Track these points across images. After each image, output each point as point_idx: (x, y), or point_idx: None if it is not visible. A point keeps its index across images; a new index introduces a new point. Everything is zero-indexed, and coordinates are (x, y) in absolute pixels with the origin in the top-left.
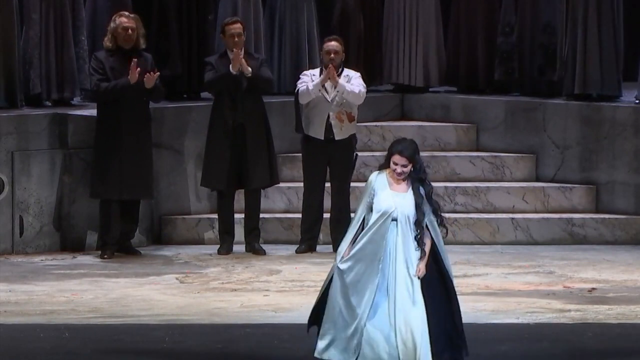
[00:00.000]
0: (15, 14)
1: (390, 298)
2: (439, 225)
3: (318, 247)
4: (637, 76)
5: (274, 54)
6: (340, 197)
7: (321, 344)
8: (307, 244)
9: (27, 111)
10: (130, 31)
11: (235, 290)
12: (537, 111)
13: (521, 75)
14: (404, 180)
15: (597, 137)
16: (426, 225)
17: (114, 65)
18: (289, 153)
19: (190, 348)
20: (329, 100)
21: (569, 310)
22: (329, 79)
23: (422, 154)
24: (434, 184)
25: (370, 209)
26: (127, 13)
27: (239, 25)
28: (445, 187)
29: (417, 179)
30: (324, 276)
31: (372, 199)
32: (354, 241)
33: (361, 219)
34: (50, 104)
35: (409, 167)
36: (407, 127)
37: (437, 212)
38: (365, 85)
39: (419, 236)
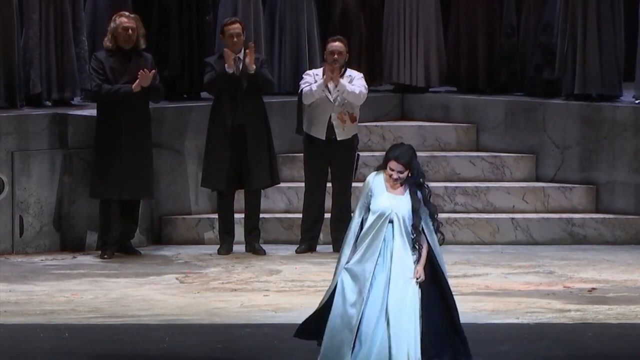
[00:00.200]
0: (15, 14)
1: (383, 301)
2: (435, 232)
3: (318, 247)
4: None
5: (274, 54)
6: (341, 197)
7: None
8: (307, 244)
9: (27, 111)
10: (130, 31)
11: (235, 290)
12: (537, 111)
13: (522, 75)
14: (401, 185)
15: (597, 137)
16: (423, 230)
17: (114, 66)
18: (289, 153)
19: (190, 348)
20: (332, 100)
21: (569, 310)
22: (331, 78)
23: (422, 154)
24: (434, 184)
25: (367, 210)
26: (127, 13)
27: (238, 25)
28: (445, 187)
29: (415, 183)
30: (324, 276)
31: (369, 200)
32: (355, 246)
33: (360, 221)
34: (50, 104)
35: (405, 173)
36: (407, 127)
37: (433, 216)
38: (367, 86)
39: (415, 240)
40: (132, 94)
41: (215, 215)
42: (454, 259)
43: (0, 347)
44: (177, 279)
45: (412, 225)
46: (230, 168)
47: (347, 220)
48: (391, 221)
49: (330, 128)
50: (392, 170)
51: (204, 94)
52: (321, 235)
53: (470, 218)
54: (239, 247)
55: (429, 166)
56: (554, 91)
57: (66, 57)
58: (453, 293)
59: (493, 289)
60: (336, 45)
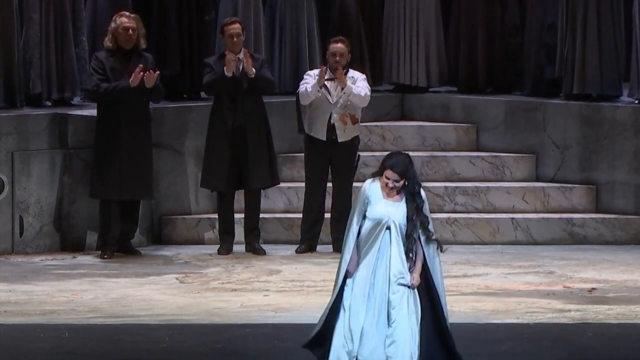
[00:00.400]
0: (15, 14)
1: (383, 307)
2: (427, 241)
3: (318, 247)
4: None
5: (274, 54)
6: (341, 198)
7: None
8: (307, 244)
9: (27, 111)
10: (130, 31)
11: (235, 290)
12: (537, 111)
13: (526, 75)
14: (397, 193)
15: (597, 137)
16: (420, 238)
17: (114, 66)
18: (289, 153)
19: (190, 348)
20: (332, 102)
21: (569, 310)
22: (338, 81)
23: (422, 154)
24: (434, 184)
25: (364, 217)
26: (127, 13)
27: (237, 25)
28: (445, 187)
29: (410, 192)
30: (324, 276)
31: (366, 207)
32: (355, 251)
33: (357, 228)
34: (50, 104)
35: (401, 182)
36: (407, 127)
37: (424, 225)
38: (370, 87)
39: (409, 248)
40: (130, 90)
41: (215, 215)
42: (454, 259)
43: (0, 347)
44: (177, 279)
45: (406, 234)
46: (230, 168)
47: (347, 220)
48: (388, 228)
49: (331, 129)
50: (388, 179)
51: (204, 94)
52: (321, 235)
53: (470, 218)
54: (239, 247)
55: (429, 166)
56: (557, 91)
57: (66, 57)
58: (453, 293)
59: (493, 289)
60: (338, 46)
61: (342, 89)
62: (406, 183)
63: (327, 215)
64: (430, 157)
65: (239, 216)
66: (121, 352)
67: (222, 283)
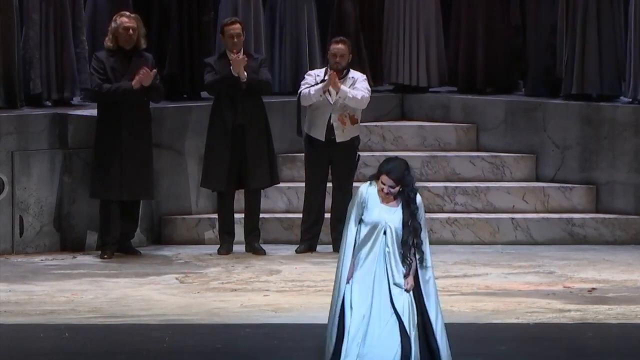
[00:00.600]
0: (15, 14)
1: (385, 310)
2: (413, 249)
3: (318, 247)
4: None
5: (274, 54)
6: (341, 198)
7: None
8: (307, 244)
9: (27, 111)
10: (131, 31)
11: (235, 290)
12: (537, 111)
13: (529, 75)
14: (394, 198)
15: (597, 137)
16: (414, 244)
17: (115, 66)
18: (289, 153)
19: (190, 348)
20: (332, 102)
21: (569, 310)
22: (332, 85)
23: (422, 154)
24: (434, 184)
25: (360, 221)
26: (127, 13)
27: (238, 25)
28: (445, 187)
29: (405, 199)
30: (324, 276)
31: (363, 211)
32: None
33: (355, 231)
34: (50, 104)
35: (397, 188)
36: (407, 127)
37: (416, 232)
38: (370, 88)
39: (404, 255)
40: (132, 91)
41: (215, 215)
42: (454, 259)
43: (0, 347)
44: (177, 279)
45: (401, 240)
46: (230, 168)
47: (347, 212)
48: (384, 233)
49: (330, 129)
50: (384, 184)
51: (204, 94)
52: (321, 235)
53: (470, 218)
54: (239, 247)
55: (429, 166)
56: (559, 91)
57: (66, 57)
58: (453, 293)
59: (493, 289)
60: (338, 47)
61: (337, 92)
62: (402, 189)
63: (327, 215)
64: (430, 157)
65: (239, 216)
66: (121, 352)
67: (222, 283)
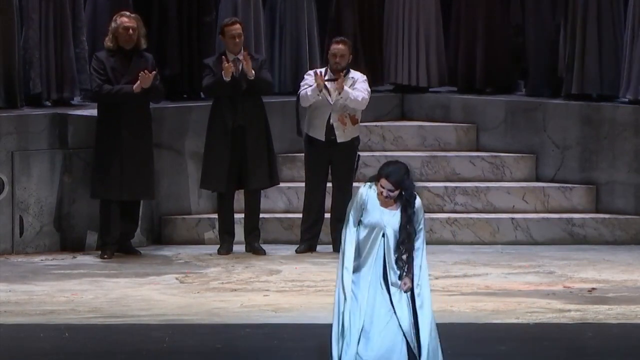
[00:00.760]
0: (15, 14)
1: (387, 311)
2: (399, 257)
3: (318, 247)
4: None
5: (274, 54)
6: (341, 198)
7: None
8: (307, 244)
9: (27, 111)
10: (131, 31)
11: (235, 290)
12: (537, 111)
13: (529, 75)
14: (394, 202)
15: (597, 137)
16: (413, 247)
17: (115, 66)
18: (289, 153)
19: (190, 348)
20: (331, 102)
21: (569, 310)
22: (336, 86)
23: (422, 154)
24: (434, 184)
25: (360, 223)
26: (128, 13)
27: (238, 26)
28: (445, 187)
29: (403, 203)
30: (324, 276)
31: (362, 214)
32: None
33: (355, 232)
34: (50, 104)
35: (396, 192)
36: (407, 127)
37: (410, 237)
38: (369, 89)
39: (399, 259)
40: (133, 95)
41: (215, 215)
42: (454, 259)
43: (0, 347)
44: (177, 279)
45: (398, 242)
46: (230, 169)
47: (346, 214)
48: (384, 235)
49: (330, 129)
50: (383, 187)
51: (203, 94)
52: (321, 235)
53: (470, 218)
54: (239, 247)
55: (429, 166)
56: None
57: (66, 57)
58: (453, 293)
59: (493, 289)
60: (338, 47)
61: (339, 93)
62: (401, 193)
63: (327, 215)
64: (430, 157)
65: (239, 216)
66: (121, 352)
67: (222, 283)
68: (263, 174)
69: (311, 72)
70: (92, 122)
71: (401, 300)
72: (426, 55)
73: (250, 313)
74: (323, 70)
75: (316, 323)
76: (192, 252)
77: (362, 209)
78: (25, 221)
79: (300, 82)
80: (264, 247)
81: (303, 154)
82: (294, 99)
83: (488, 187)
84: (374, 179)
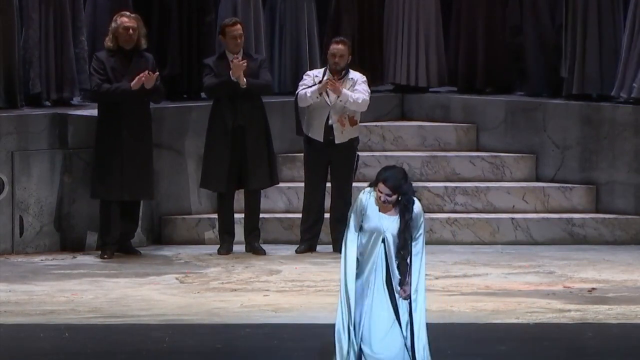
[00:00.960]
0: (15, 13)
1: (389, 316)
2: (399, 263)
3: (318, 247)
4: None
5: (274, 54)
6: (341, 198)
7: None
8: (307, 244)
9: (27, 111)
10: (131, 31)
11: (235, 290)
12: (537, 111)
13: (528, 75)
14: (393, 206)
15: (597, 137)
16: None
17: (115, 66)
18: (289, 153)
19: (190, 348)
20: (330, 103)
21: (569, 310)
22: (333, 90)
23: (422, 154)
24: (434, 184)
25: (360, 229)
26: (128, 13)
27: (239, 26)
28: (445, 187)
29: (401, 208)
30: (324, 276)
31: (363, 219)
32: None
33: (357, 240)
34: (50, 104)
35: (394, 196)
36: (407, 127)
37: (406, 242)
38: (369, 90)
39: (400, 262)
40: (131, 92)
41: (215, 215)
42: (454, 259)
43: (0, 347)
44: (177, 279)
45: (397, 247)
46: (230, 169)
47: (347, 220)
48: (383, 240)
49: (329, 130)
50: (381, 192)
51: (204, 94)
52: (321, 235)
53: (470, 218)
54: (239, 247)
55: (429, 166)
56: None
57: (66, 57)
58: (453, 293)
59: (493, 289)
60: (338, 47)
61: (339, 96)
62: (399, 198)
63: (327, 216)
64: (430, 157)
65: (239, 216)
66: (121, 352)
67: (222, 283)
68: (263, 174)
69: (310, 73)
70: (92, 122)
71: (402, 307)
72: (426, 55)
73: (250, 313)
74: (322, 70)
75: (316, 323)
76: (192, 252)
77: (362, 214)
78: (25, 221)
79: (299, 82)
80: (264, 247)
81: (303, 154)
82: (294, 99)
83: (488, 187)
84: (373, 184)
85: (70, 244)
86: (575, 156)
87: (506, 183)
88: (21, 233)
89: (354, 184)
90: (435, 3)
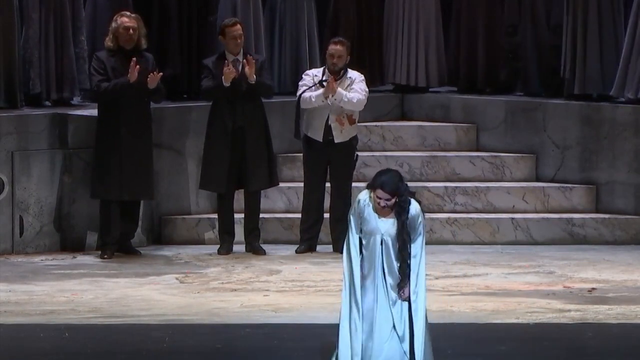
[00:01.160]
0: (15, 13)
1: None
2: (398, 264)
3: (318, 247)
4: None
5: (274, 54)
6: (340, 198)
7: None
8: (307, 244)
9: (27, 111)
10: (131, 31)
11: (235, 290)
12: (537, 111)
13: (526, 75)
14: (391, 210)
15: (597, 137)
16: (410, 253)
17: (115, 66)
18: (288, 153)
19: (190, 348)
20: (329, 103)
21: (569, 310)
22: (330, 89)
23: (422, 154)
24: (434, 184)
25: (360, 231)
26: (128, 13)
27: (239, 27)
28: (445, 187)
29: (397, 209)
30: (324, 276)
31: (361, 222)
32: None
33: (358, 243)
34: (50, 104)
35: (393, 200)
36: (407, 127)
37: (404, 243)
38: (367, 90)
39: (399, 264)
40: (130, 85)
41: (215, 215)
42: (454, 259)
43: (0, 347)
44: (177, 279)
45: (395, 249)
46: (230, 170)
47: (347, 220)
48: (382, 243)
49: (328, 130)
50: (380, 198)
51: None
52: (321, 235)
53: (470, 218)
54: (239, 247)
55: (429, 166)
56: (561, 91)
57: (66, 57)
58: (453, 293)
59: (493, 289)
60: (336, 48)
61: (333, 95)
62: (397, 200)
63: (327, 216)
64: (430, 157)
65: (239, 216)
66: (121, 352)
67: (222, 283)
68: (263, 175)
69: (309, 72)
70: (92, 122)
71: (401, 310)
72: (426, 55)
73: (250, 313)
74: (320, 70)
75: (316, 323)
76: (192, 252)
77: (361, 217)
78: (25, 221)
79: (298, 82)
80: (264, 247)
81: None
82: (294, 99)
83: (488, 187)
84: (370, 187)
85: (70, 244)
86: (575, 156)
87: (506, 183)
88: (21, 233)
89: (354, 184)
90: (435, 3)
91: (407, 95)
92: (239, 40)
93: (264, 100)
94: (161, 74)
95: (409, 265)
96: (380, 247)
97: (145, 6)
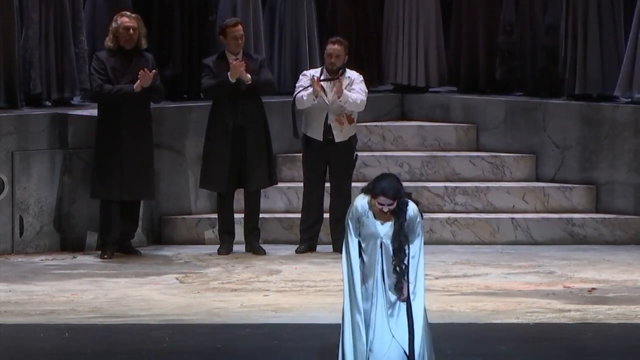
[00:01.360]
0: (15, 13)
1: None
2: (395, 265)
3: (318, 247)
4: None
5: (274, 54)
6: (340, 198)
7: None
8: (307, 244)
9: (27, 111)
10: (131, 31)
11: (235, 290)
12: (537, 111)
13: (523, 74)
14: (392, 213)
15: (597, 137)
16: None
17: (116, 66)
18: (288, 153)
19: (190, 348)
20: (328, 102)
21: (569, 310)
22: (335, 91)
23: (422, 154)
24: (434, 184)
25: (358, 234)
26: (128, 13)
27: (240, 27)
28: (445, 187)
29: (395, 212)
30: (324, 276)
31: (360, 226)
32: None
33: (357, 243)
34: (50, 104)
35: (394, 203)
36: (407, 127)
37: (401, 245)
38: (366, 90)
39: (398, 265)
40: (133, 94)
41: (215, 215)
42: (454, 259)
43: (0, 347)
44: (177, 279)
45: (393, 250)
46: (230, 169)
47: (345, 226)
48: (381, 246)
49: (328, 129)
50: (382, 204)
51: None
52: (321, 235)
53: (470, 218)
54: (239, 247)
55: (429, 166)
56: (559, 92)
57: (66, 57)
58: (453, 293)
59: (493, 289)
60: (334, 48)
61: (339, 97)
62: (398, 201)
63: (326, 215)
64: (430, 157)
65: (239, 216)
66: (121, 352)
67: (222, 283)
68: (262, 174)
69: (306, 72)
70: (92, 122)
71: (399, 312)
72: (426, 55)
73: (250, 313)
74: (319, 70)
75: (316, 323)
76: (192, 252)
77: (358, 221)
78: (25, 221)
79: (296, 82)
80: (264, 247)
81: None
82: (291, 102)
83: (488, 187)
84: (368, 191)
85: (70, 244)
86: (575, 156)
87: (506, 183)
88: (21, 233)
89: (353, 184)
90: (435, 3)
91: (407, 95)
92: (240, 41)
93: (264, 99)
94: (154, 71)
95: (406, 266)
96: (380, 250)
97: (145, 6)
